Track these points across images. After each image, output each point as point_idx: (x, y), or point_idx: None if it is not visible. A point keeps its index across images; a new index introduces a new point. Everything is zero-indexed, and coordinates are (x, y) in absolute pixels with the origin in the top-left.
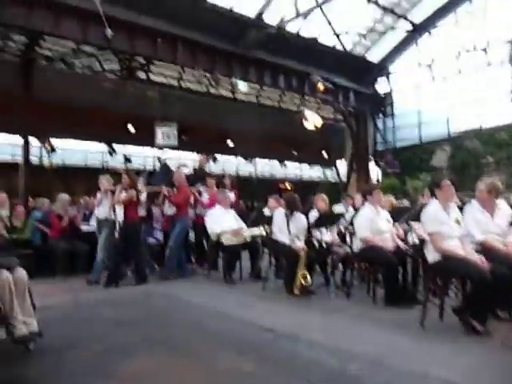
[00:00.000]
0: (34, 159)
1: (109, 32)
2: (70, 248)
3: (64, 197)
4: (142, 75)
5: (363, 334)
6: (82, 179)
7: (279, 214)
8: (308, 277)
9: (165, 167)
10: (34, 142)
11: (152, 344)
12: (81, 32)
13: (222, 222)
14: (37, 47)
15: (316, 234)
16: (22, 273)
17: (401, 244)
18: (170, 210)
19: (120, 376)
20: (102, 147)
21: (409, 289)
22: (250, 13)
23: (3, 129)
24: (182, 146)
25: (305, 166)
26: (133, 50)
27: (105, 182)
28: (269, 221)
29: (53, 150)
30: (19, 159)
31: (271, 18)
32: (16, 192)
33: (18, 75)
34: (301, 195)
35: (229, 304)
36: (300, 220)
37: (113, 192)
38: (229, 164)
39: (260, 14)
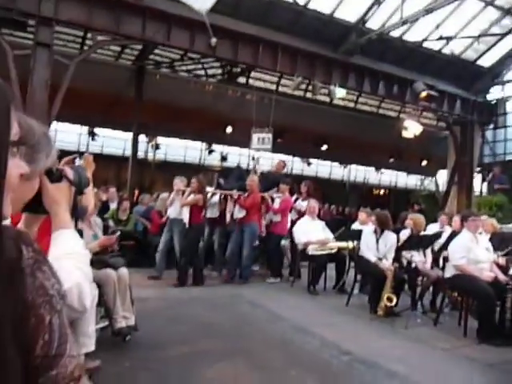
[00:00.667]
0: (140, 154)
1: (213, 41)
2: None
3: (165, 196)
4: (241, 80)
5: (451, 373)
6: (181, 174)
7: (368, 230)
8: (394, 299)
9: (238, 170)
10: (141, 138)
11: (233, 352)
12: (188, 41)
13: (309, 231)
14: (148, 54)
15: (405, 253)
16: (124, 271)
17: (500, 275)
18: (239, 213)
19: (199, 382)
20: (201, 145)
21: (507, 326)
22: (351, 17)
23: (118, 127)
24: (276, 148)
25: (401, 173)
26: (235, 58)
27: (178, 182)
28: (357, 235)
29: (157, 146)
30: (128, 154)
31: (373, 23)
32: (125, 184)
33: (132, 79)
34: (394, 202)
35: (311, 318)
36: (389, 238)
37: (183, 193)
38: (322, 168)
39: (362, 19)
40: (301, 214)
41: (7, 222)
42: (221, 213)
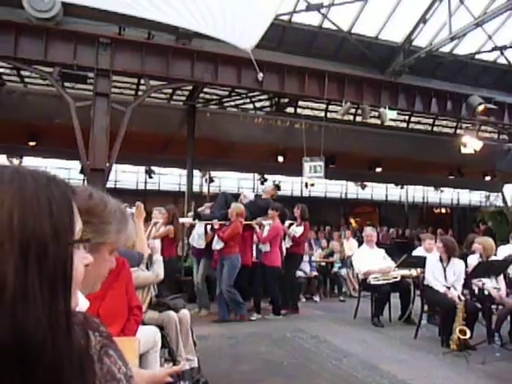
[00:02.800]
0: (195, 188)
1: (260, 76)
2: None
3: None
4: (290, 109)
5: None
6: None
7: (433, 258)
8: (467, 331)
9: (223, 197)
10: (195, 173)
11: None
12: (236, 78)
13: (369, 260)
14: (198, 94)
15: (476, 280)
16: (185, 313)
17: None
18: (217, 245)
19: None
20: (254, 176)
21: None
22: (397, 38)
23: (173, 164)
24: (329, 174)
25: (463, 191)
26: (282, 90)
27: (156, 213)
28: (421, 263)
29: (211, 180)
30: (184, 189)
31: (420, 41)
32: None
33: (184, 118)
34: (457, 221)
35: (378, 353)
36: (458, 266)
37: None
38: (378, 190)
39: (408, 38)
40: (295, 241)
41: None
42: (207, 244)
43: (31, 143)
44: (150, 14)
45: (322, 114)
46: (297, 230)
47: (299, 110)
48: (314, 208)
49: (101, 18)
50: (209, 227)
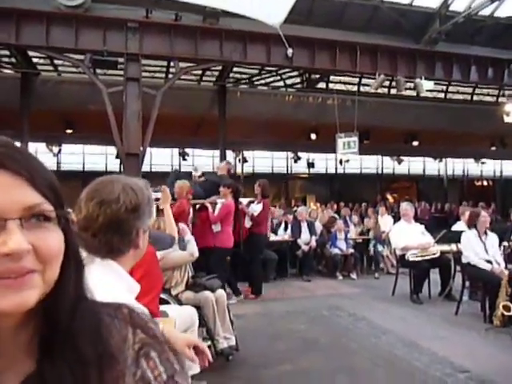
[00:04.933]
0: None
1: (290, 52)
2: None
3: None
4: (321, 85)
5: None
6: (270, 184)
7: (470, 233)
8: (511, 307)
9: (174, 175)
10: (228, 153)
11: (336, 370)
12: (265, 56)
13: (407, 236)
14: (228, 73)
15: None
16: (221, 293)
17: None
18: None
19: None
20: (287, 155)
21: None
22: (433, 3)
23: (206, 145)
24: (363, 150)
25: (507, 162)
26: (313, 65)
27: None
28: (458, 238)
29: (244, 160)
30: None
31: (458, 5)
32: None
33: (214, 99)
34: (501, 194)
35: (418, 331)
36: (494, 239)
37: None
38: (415, 164)
39: (445, 3)
40: (254, 221)
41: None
42: None
43: (68, 131)
44: None
45: (355, 88)
46: (255, 209)
47: (331, 85)
48: (350, 185)
49: (128, 1)
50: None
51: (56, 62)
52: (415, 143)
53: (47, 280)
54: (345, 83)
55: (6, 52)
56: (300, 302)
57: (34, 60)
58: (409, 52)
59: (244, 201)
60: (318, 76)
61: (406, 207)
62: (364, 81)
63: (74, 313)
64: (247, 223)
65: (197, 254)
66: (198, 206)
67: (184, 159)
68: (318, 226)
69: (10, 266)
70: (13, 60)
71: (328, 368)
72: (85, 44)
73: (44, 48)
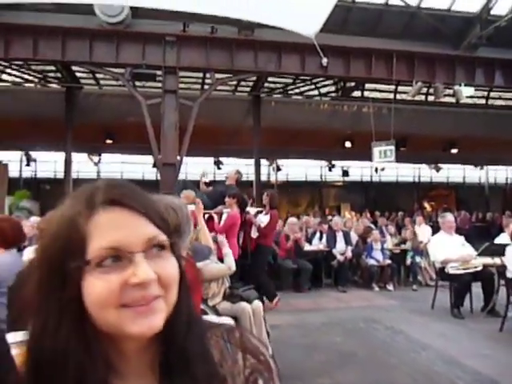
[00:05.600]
0: (262, 177)
1: (324, 61)
2: (294, 266)
3: (293, 220)
4: (357, 93)
5: None
6: (304, 192)
7: None
8: None
9: (182, 184)
10: (262, 162)
11: None
12: (299, 65)
13: (447, 248)
14: (263, 83)
15: None
16: (258, 304)
17: None
18: None
19: None
20: (321, 163)
21: None
22: (473, 8)
23: (241, 154)
24: (400, 158)
25: None
26: (348, 74)
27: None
28: (501, 251)
29: (278, 168)
30: (251, 178)
31: (500, 8)
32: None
33: (249, 109)
34: None
35: (460, 347)
36: None
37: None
38: (454, 172)
39: (486, 6)
40: (261, 232)
41: None
42: None
43: (108, 141)
44: (213, 9)
45: (391, 95)
46: (263, 220)
47: (366, 93)
48: (385, 193)
49: (166, 16)
50: None
51: (98, 75)
52: (454, 151)
53: (169, 304)
54: (380, 91)
55: (52, 67)
56: (335, 313)
57: (78, 74)
58: (447, 58)
59: (252, 210)
60: (353, 84)
61: (450, 219)
62: (400, 88)
63: (188, 335)
64: (253, 234)
65: (234, 268)
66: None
67: (219, 168)
68: (354, 236)
69: (140, 294)
70: (58, 75)
71: (366, 382)
72: (125, 58)
73: (87, 63)
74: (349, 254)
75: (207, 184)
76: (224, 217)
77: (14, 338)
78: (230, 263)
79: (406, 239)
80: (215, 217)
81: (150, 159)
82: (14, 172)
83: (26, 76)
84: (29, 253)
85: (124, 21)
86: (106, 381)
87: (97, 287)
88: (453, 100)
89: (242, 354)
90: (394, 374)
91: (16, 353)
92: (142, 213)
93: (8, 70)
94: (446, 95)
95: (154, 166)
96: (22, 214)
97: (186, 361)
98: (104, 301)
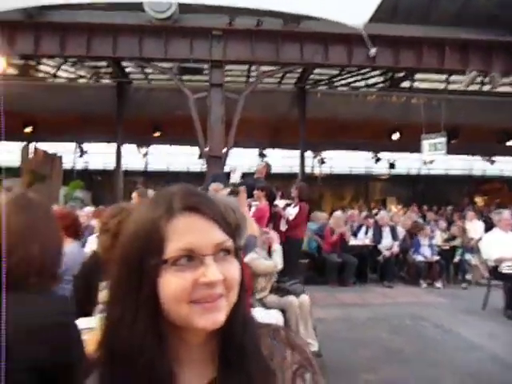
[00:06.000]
0: (306, 170)
1: (373, 51)
2: (339, 260)
3: (338, 214)
4: (405, 84)
5: None
6: (349, 185)
7: None
8: None
9: (213, 178)
10: (307, 154)
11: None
12: (346, 56)
13: (502, 246)
14: (308, 75)
15: None
16: (305, 298)
17: None
18: None
19: None
20: (367, 155)
21: None
22: None
23: (285, 146)
24: (451, 150)
25: None
26: (397, 64)
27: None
28: None
29: (322, 161)
30: (295, 170)
31: None
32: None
33: (294, 101)
34: None
35: None
36: None
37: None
38: (509, 165)
39: None
40: (290, 225)
41: None
42: None
43: (156, 134)
44: (258, 2)
45: (442, 85)
46: (291, 212)
47: (416, 84)
48: (434, 186)
49: (212, 10)
50: None
51: (147, 70)
52: (510, 143)
53: (230, 303)
54: (431, 81)
55: (104, 63)
56: (381, 308)
57: (128, 70)
58: (506, 46)
59: (280, 203)
60: (401, 75)
61: (507, 216)
62: (453, 78)
63: (245, 333)
64: (283, 227)
65: (280, 266)
66: None
67: (263, 160)
68: (401, 231)
69: (208, 293)
70: (109, 70)
71: (414, 381)
72: (173, 53)
73: (137, 59)
74: (395, 249)
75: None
76: (252, 210)
77: (82, 324)
78: (278, 261)
79: (455, 235)
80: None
81: (195, 151)
82: (67, 164)
83: (79, 72)
84: (91, 243)
85: (172, 16)
86: (172, 370)
87: (172, 283)
88: (511, 90)
89: (289, 350)
90: (442, 373)
91: (85, 338)
92: (213, 219)
93: (63, 67)
94: (502, 85)
95: (200, 157)
96: (75, 203)
97: (242, 357)
98: (178, 296)
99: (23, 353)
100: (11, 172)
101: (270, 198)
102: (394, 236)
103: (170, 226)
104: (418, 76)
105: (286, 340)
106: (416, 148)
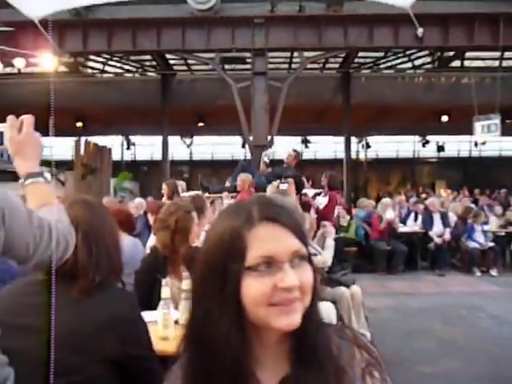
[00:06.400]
0: (352, 155)
1: (420, 31)
2: (388, 248)
3: (386, 200)
4: (455, 63)
5: None
6: (395, 170)
7: None
8: None
9: (242, 166)
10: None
11: (478, 378)
12: (392, 38)
13: None
14: (352, 59)
15: None
16: (357, 289)
17: None
18: None
19: None
20: (414, 139)
21: None
22: None
23: (329, 132)
24: (506, 130)
25: None
26: (446, 43)
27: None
28: None
29: (368, 146)
30: (340, 156)
31: None
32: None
33: (338, 86)
34: None
35: None
36: None
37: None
38: None
39: None
40: (319, 214)
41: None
42: None
43: (200, 124)
44: None
45: (496, 63)
46: (321, 201)
47: (467, 63)
48: (486, 169)
49: None
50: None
51: (189, 61)
52: None
53: (304, 305)
54: (484, 59)
55: (148, 57)
56: (433, 298)
57: (171, 62)
58: None
59: (310, 192)
60: (451, 54)
61: None
62: (507, 54)
63: (318, 335)
64: (312, 216)
65: (329, 263)
66: None
67: (306, 147)
68: (452, 217)
69: (285, 297)
70: (153, 63)
71: (470, 374)
72: (215, 43)
73: (180, 51)
74: (447, 236)
75: (267, 165)
76: None
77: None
78: (327, 257)
79: (510, 221)
80: None
81: (238, 140)
82: (116, 155)
83: (125, 66)
84: (151, 241)
85: (213, 7)
86: (251, 367)
87: (253, 288)
88: None
89: (356, 349)
90: (499, 367)
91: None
92: (290, 228)
93: (110, 62)
94: None
95: (243, 146)
96: (125, 194)
97: (315, 355)
98: (259, 300)
99: (95, 345)
100: (65, 165)
101: (298, 187)
102: (445, 223)
103: (250, 235)
104: (468, 54)
105: (353, 339)
106: (466, 130)
